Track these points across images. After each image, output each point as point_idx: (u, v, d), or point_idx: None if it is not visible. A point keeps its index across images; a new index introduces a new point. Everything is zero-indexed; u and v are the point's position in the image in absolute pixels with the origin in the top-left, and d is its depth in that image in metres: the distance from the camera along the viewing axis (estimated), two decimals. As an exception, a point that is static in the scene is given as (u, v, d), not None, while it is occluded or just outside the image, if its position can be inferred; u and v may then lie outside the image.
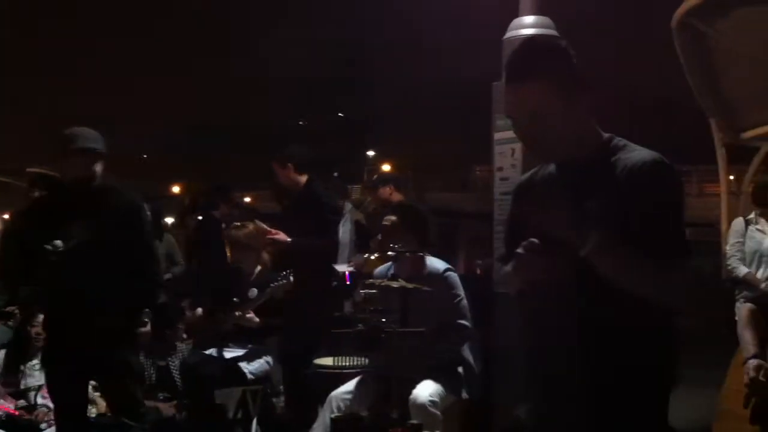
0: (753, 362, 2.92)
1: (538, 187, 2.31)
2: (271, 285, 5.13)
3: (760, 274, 5.34)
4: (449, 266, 4.57)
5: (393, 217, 4.66)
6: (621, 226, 2.02)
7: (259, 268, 5.53)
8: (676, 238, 2.05)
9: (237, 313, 5.20)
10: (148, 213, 4.30)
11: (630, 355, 2.07)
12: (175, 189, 33.07)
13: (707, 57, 11.12)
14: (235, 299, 5.30)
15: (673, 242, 2.04)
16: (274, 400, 5.67)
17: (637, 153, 2.14)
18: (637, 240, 2.00)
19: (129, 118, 30.70)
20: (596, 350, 2.07)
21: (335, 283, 6.32)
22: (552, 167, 2.29)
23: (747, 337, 3.04)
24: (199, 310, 5.67)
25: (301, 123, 36.14)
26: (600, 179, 2.12)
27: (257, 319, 5.18)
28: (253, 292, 5.24)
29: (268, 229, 5.44)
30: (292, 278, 5.05)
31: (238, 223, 5.67)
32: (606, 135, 2.23)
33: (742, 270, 5.41)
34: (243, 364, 5.17)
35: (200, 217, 7.68)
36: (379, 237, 4.85)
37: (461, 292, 4.49)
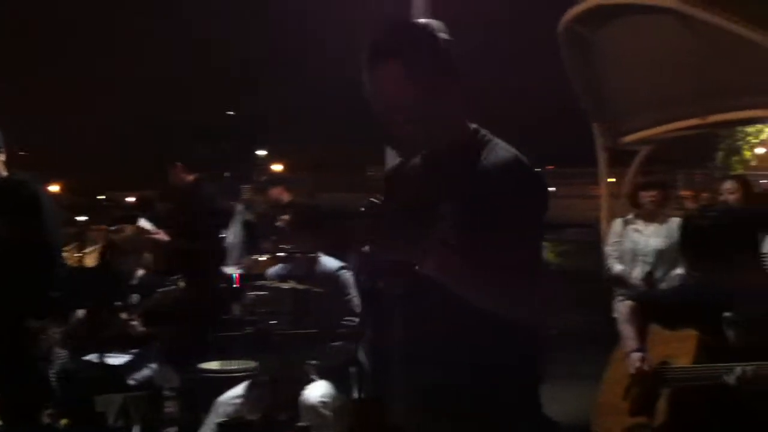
0: (637, 355, 3.00)
1: (399, 181, 2.28)
2: (159, 290, 4.95)
3: (636, 273, 5.54)
4: (343, 265, 4.53)
5: (287, 217, 4.60)
6: (472, 226, 1.99)
7: (141, 271, 5.33)
8: (524, 241, 2.02)
9: (120, 319, 5.00)
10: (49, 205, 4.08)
11: (492, 350, 2.06)
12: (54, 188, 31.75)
13: (591, 63, 11.53)
14: (116, 303, 5.10)
15: (520, 244, 2.00)
16: (161, 406, 5.49)
17: (497, 152, 2.09)
18: (485, 241, 1.96)
19: (17, 112, 29.46)
20: (461, 343, 2.07)
21: (224, 285, 6.20)
22: (417, 159, 2.24)
23: (628, 332, 3.13)
24: (78, 314, 5.41)
25: (189, 121, 35.40)
26: (458, 177, 2.08)
27: (141, 328, 4.99)
28: (134, 297, 5.06)
29: (151, 229, 5.29)
30: (181, 284, 4.90)
31: (117, 226, 5.48)
32: (472, 127, 2.17)
33: (617, 268, 5.62)
34: (124, 370, 4.98)
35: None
36: (274, 237, 4.79)
37: (353, 291, 4.46)
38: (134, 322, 4.98)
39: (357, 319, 4.40)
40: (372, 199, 2.00)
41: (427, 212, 2.07)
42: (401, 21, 2.21)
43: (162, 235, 5.30)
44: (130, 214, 7.00)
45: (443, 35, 2.12)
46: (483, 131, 2.18)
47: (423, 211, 2.07)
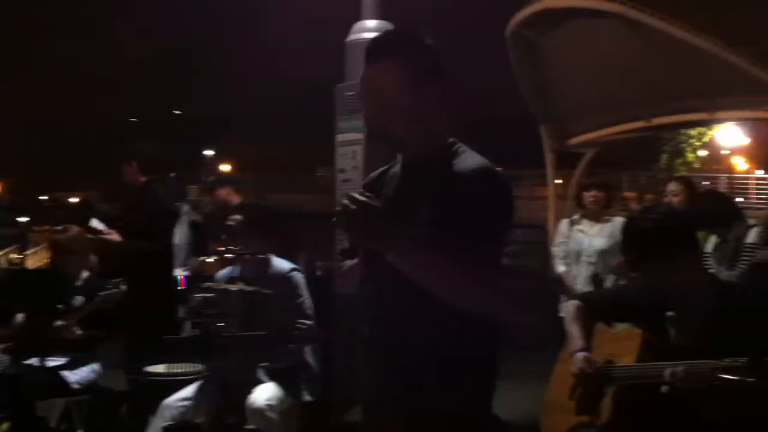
0: (581, 354, 3.04)
1: (380, 187, 2.32)
2: (100, 294, 4.84)
3: (582, 273, 5.62)
4: (295, 266, 4.50)
5: (237, 218, 4.55)
6: (443, 231, 2.04)
7: (86, 273, 5.22)
8: (486, 245, 2.07)
9: (60, 323, 4.89)
10: None
11: (449, 347, 2.11)
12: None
13: (538, 66, 11.71)
14: (59, 306, 4.99)
15: (483, 249, 2.05)
16: (105, 409, 5.40)
17: (468, 160, 2.17)
18: (455, 242, 2.01)
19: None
20: (418, 341, 2.11)
21: (170, 286, 6.11)
22: (397, 168, 2.31)
23: (574, 332, 3.16)
24: (19, 317, 5.28)
25: (133, 120, 34.86)
26: (433, 184, 2.14)
27: (80, 332, 4.89)
28: (78, 299, 4.95)
29: (102, 228, 5.19)
30: (123, 287, 4.81)
31: (61, 227, 5.36)
32: (450, 140, 2.25)
33: (560, 269, 5.69)
34: (67, 374, 4.88)
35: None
36: (224, 237, 4.73)
37: (305, 292, 4.44)
38: (76, 325, 4.87)
39: (308, 322, 4.38)
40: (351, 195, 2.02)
41: (403, 215, 2.11)
42: (405, 28, 2.29)
43: (115, 236, 5.20)
44: (81, 215, 6.86)
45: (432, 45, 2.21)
46: (455, 140, 2.25)
47: (400, 215, 2.11)
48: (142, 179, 5.49)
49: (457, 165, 2.15)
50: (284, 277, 4.38)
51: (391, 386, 2.19)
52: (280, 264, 4.47)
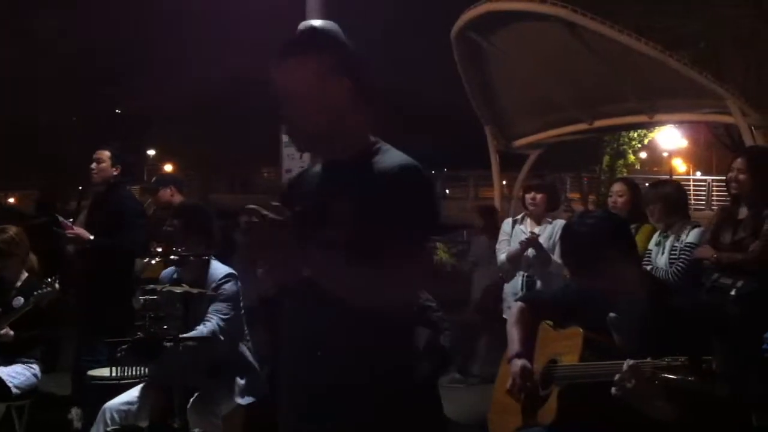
0: (518, 362, 3.07)
1: (299, 188, 2.31)
2: (35, 293, 4.73)
3: (519, 274, 5.69)
4: (230, 272, 4.38)
5: (177, 220, 4.48)
6: (363, 231, 2.02)
7: (26, 274, 5.09)
8: (408, 244, 2.05)
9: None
10: None
11: (374, 352, 2.08)
12: None
13: (483, 68, 11.83)
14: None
15: (405, 248, 2.04)
16: (50, 413, 5.30)
17: (390, 158, 2.14)
18: (372, 244, 1.99)
19: None
20: (342, 347, 2.09)
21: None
22: (318, 167, 2.28)
23: (513, 335, 3.19)
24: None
25: (74, 119, 34.13)
26: (354, 184, 2.11)
27: (12, 333, 4.77)
28: (19, 300, 4.82)
29: (69, 224, 5.07)
30: (57, 286, 4.70)
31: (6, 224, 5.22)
32: (373, 138, 2.21)
33: (502, 257, 5.75)
34: (7, 378, 4.76)
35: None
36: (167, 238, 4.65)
37: (237, 302, 4.34)
38: (5, 331, 4.75)
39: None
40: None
41: (322, 217, 2.10)
42: (321, 24, 2.26)
43: (84, 233, 5.09)
44: (48, 213, 6.68)
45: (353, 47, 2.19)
46: (378, 139, 2.22)
47: (318, 215, 2.10)
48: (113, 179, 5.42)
49: (378, 163, 2.13)
50: (217, 285, 4.26)
51: (305, 393, 2.16)
52: (217, 269, 4.34)
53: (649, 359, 2.51)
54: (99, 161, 5.46)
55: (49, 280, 4.74)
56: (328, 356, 2.10)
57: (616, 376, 2.54)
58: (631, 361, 2.54)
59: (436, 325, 3.65)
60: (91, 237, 5.15)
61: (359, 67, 2.17)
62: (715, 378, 2.43)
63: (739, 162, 4.54)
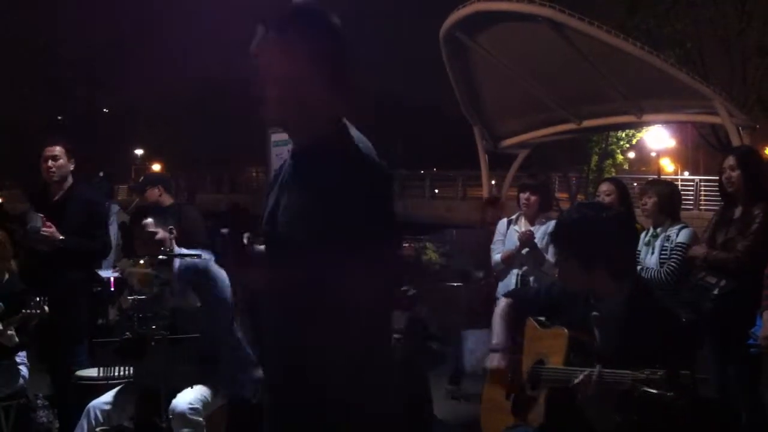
0: (494, 355, 3.10)
1: (273, 182, 2.31)
2: (24, 311, 4.66)
3: (514, 273, 5.69)
4: (199, 252, 4.32)
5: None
6: (307, 227, 2.04)
7: (6, 276, 5.04)
8: (353, 240, 2.02)
9: None
10: None
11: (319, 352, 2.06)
12: None
13: (470, 69, 11.85)
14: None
15: (348, 244, 2.01)
16: (33, 414, 5.26)
17: (345, 150, 2.11)
18: (317, 241, 2.00)
19: None
20: (290, 346, 2.11)
21: (99, 288, 5.96)
22: (289, 159, 2.27)
23: (497, 328, 3.20)
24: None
25: (60, 118, 34.00)
26: (307, 175, 2.12)
27: (17, 340, 4.73)
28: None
29: (45, 221, 4.99)
30: (47, 308, 4.63)
31: None
32: (341, 123, 2.17)
33: (496, 257, 5.76)
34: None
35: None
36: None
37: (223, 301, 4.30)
38: (11, 333, 4.71)
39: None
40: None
41: (274, 212, 2.14)
42: (310, 6, 2.21)
43: (55, 232, 5.01)
44: (23, 212, 6.59)
45: (337, 25, 2.15)
46: (346, 124, 2.17)
47: (271, 212, 2.15)
48: (71, 177, 5.32)
49: (333, 155, 2.09)
50: (197, 269, 4.18)
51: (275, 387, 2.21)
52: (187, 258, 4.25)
53: (628, 372, 2.53)
54: (55, 158, 5.29)
55: (38, 300, 4.65)
56: (279, 356, 2.15)
57: (574, 381, 2.58)
58: (610, 372, 2.56)
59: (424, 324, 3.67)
60: (61, 237, 5.05)
61: (335, 51, 2.14)
62: (693, 392, 2.45)
63: (730, 160, 4.57)
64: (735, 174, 4.50)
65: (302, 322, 2.05)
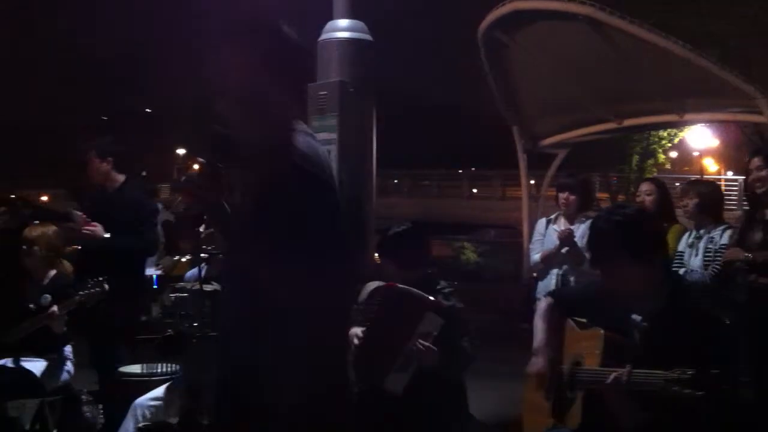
0: (536, 360, 3.08)
1: None
2: (81, 292, 4.76)
3: (554, 272, 5.66)
4: None
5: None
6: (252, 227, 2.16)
7: (54, 272, 5.15)
8: (290, 237, 2.10)
9: (36, 319, 4.81)
10: None
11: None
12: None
13: (508, 67, 11.80)
14: (30, 306, 4.91)
15: (285, 241, 2.09)
16: (78, 409, 5.36)
17: (292, 148, 2.19)
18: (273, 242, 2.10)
19: None
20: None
21: (144, 286, 6.08)
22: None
23: (538, 328, 3.18)
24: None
25: (104, 119, 34.52)
26: (255, 176, 2.25)
27: (65, 329, 4.83)
28: (46, 298, 4.86)
29: (85, 219, 5.08)
30: (106, 286, 4.70)
31: (36, 222, 5.27)
32: (297, 126, 2.27)
33: (536, 257, 5.74)
34: (40, 374, 4.84)
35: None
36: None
37: None
38: (52, 325, 4.81)
39: None
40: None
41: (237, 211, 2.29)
42: (251, 14, 2.33)
43: (99, 230, 5.08)
44: (65, 211, 6.72)
45: (288, 33, 2.27)
46: (300, 129, 2.27)
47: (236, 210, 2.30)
48: (120, 177, 5.41)
49: (277, 161, 2.19)
50: None
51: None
52: None
53: (659, 372, 2.52)
54: (89, 160, 5.40)
55: (100, 279, 4.74)
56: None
57: (605, 382, 2.59)
58: (641, 372, 2.55)
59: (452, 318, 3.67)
60: (106, 235, 5.12)
61: (281, 59, 2.23)
62: (726, 392, 2.44)
63: (757, 161, 4.51)
64: (764, 173, 4.43)
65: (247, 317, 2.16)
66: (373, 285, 3.74)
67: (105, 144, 5.46)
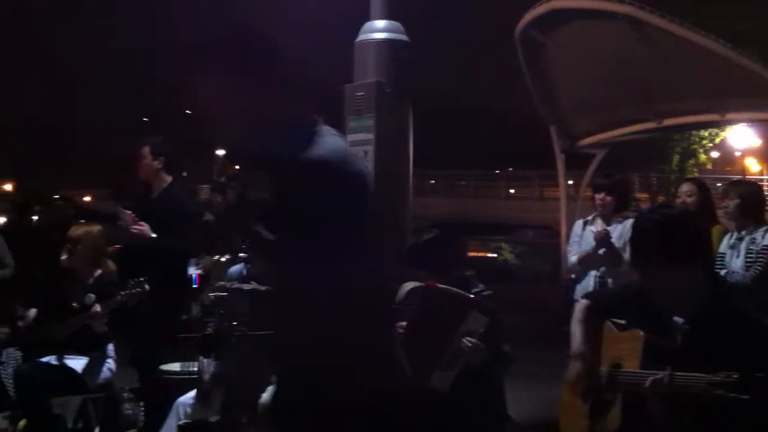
0: (575, 364, 3.04)
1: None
2: (122, 292, 4.83)
3: (592, 273, 5.61)
4: None
5: None
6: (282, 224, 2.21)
7: (99, 271, 5.23)
8: (306, 237, 2.13)
9: (78, 318, 4.90)
10: None
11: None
12: (7, 187, 31.32)
13: (546, 67, 11.75)
14: (74, 305, 5.00)
15: (300, 242, 2.13)
16: (120, 407, 5.45)
17: (309, 151, 2.22)
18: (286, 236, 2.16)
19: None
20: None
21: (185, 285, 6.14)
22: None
23: (576, 333, 3.14)
24: (31, 314, 5.28)
25: (145, 120, 34.95)
26: (284, 177, 2.24)
27: (101, 329, 4.91)
28: (90, 297, 4.94)
29: (134, 218, 5.14)
30: (147, 287, 4.76)
31: (82, 221, 5.36)
32: (318, 126, 2.30)
33: (573, 259, 5.70)
34: (83, 372, 4.92)
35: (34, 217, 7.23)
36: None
37: None
38: (94, 323, 4.90)
39: None
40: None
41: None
42: (236, 31, 2.38)
43: (147, 229, 5.14)
44: (112, 210, 6.83)
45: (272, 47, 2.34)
46: (321, 131, 2.30)
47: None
48: (167, 178, 5.46)
49: (302, 156, 2.20)
50: None
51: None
52: None
53: (701, 374, 2.49)
54: (141, 157, 5.46)
55: (141, 280, 4.80)
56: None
57: (644, 385, 2.57)
58: (682, 374, 2.53)
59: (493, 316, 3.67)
60: (153, 235, 5.17)
61: (273, 67, 2.30)
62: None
63: None
64: None
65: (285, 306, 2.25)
66: (409, 285, 3.74)
67: (157, 143, 5.51)
